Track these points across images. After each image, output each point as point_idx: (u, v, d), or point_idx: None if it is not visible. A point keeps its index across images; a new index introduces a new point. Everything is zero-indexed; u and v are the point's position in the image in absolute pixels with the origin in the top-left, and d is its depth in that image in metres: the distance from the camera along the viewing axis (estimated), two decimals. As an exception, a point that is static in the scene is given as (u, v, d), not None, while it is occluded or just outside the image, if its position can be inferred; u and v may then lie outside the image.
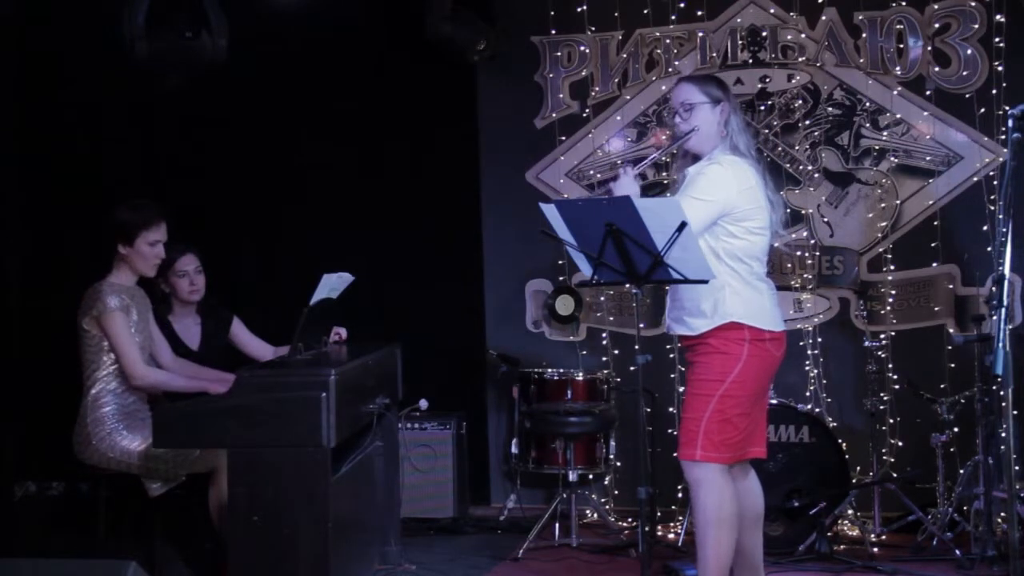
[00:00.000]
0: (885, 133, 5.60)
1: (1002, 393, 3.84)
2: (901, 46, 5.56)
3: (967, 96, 5.48)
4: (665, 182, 5.63)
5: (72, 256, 5.91)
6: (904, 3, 5.56)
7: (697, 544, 3.74)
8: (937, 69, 5.53)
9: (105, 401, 4.19)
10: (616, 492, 5.74)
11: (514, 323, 5.94)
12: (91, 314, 4.17)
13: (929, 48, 5.53)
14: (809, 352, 5.59)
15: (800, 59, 5.66)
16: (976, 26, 5.48)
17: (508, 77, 5.94)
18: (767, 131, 5.68)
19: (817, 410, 5.38)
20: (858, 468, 5.39)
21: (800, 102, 5.66)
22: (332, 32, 5.86)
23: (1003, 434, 4.63)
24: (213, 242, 4.97)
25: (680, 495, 5.43)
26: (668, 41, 5.77)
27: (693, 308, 3.76)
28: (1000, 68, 5.41)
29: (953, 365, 5.43)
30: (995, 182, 5.41)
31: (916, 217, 5.58)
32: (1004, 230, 3.24)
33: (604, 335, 5.84)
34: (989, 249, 5.33)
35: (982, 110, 5.45)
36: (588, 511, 5.62)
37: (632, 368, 4.20)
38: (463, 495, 5.67)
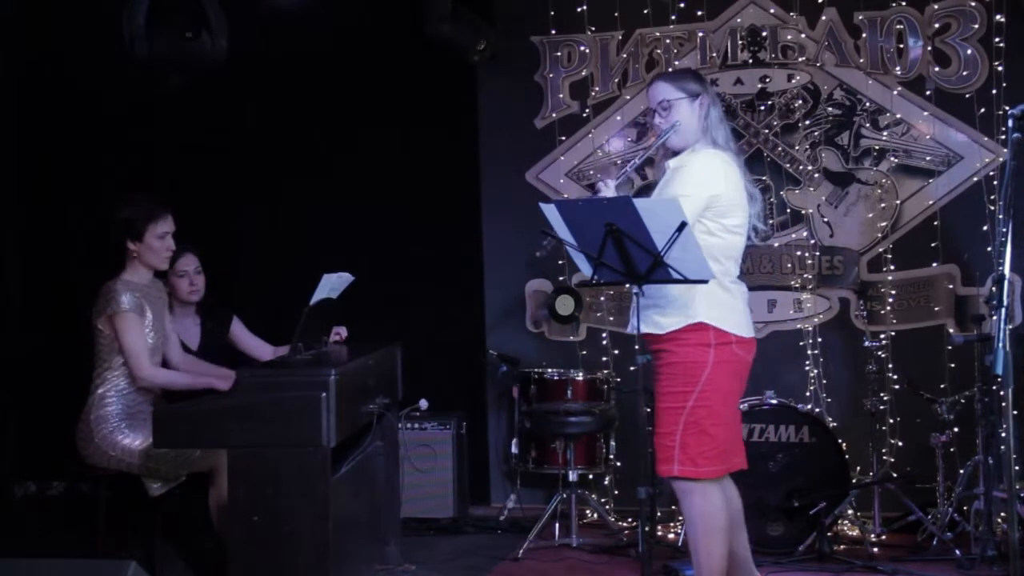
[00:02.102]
0: (885, 133, 5.60)
1: (1002, 393, 3.84)
2: (901, 46, 5.56)
3: (967, 96, 5.48)
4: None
5: (73, 256, 5.92)
6: (904, 3, 5.56)
7: (692, 554, 3.72)
8: (937, 69, 5.53)
9: (111, 400, 4.20)
10: (616, 492, 5.74)
11: (514, 323, 5.94)
12: (105, 313, 4.18)
13: (929, 48, 5.53)
14: (809, 352, 5.59)
15: (800, 59, 5.65)
16: (976, 26, 5.48)
17: (508, 77, 5.94)
18: (767, 131, 5.68)
19: (817, 410, 5.38)
20: (858, 468, 5.39)
21: (800, 102, 5.66)
22: (332, 32, 5.86)
23: (1003, 434, 4.63)
24: (213, 242, 4.97)
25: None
26: (668, 41, 5.77)
27: (664, 305, 3.70)
28: (1000, 68, 5.41)
29: (953, 365, 5.43)
30: (995, 182, 5.41)
31: (916, 217, 5.58)
32: (1004, 230, 3.24)
33: (604, 335, 5.84)
34: (989, 249, 5.33)
35: (982, 110, 5.45)
36: (588, 511, 5.62)
37: (632, 368, 4.20)
38: (463, 495, 5.67)
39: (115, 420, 4.18)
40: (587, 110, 5.87)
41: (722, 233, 3.70)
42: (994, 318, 3.18)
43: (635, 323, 3.70)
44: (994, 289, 3.37)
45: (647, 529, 4.16)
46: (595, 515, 5.63)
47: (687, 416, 3.62)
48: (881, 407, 5.34)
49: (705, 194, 3.64)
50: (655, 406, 3.76)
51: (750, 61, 5.70)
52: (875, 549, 4.86)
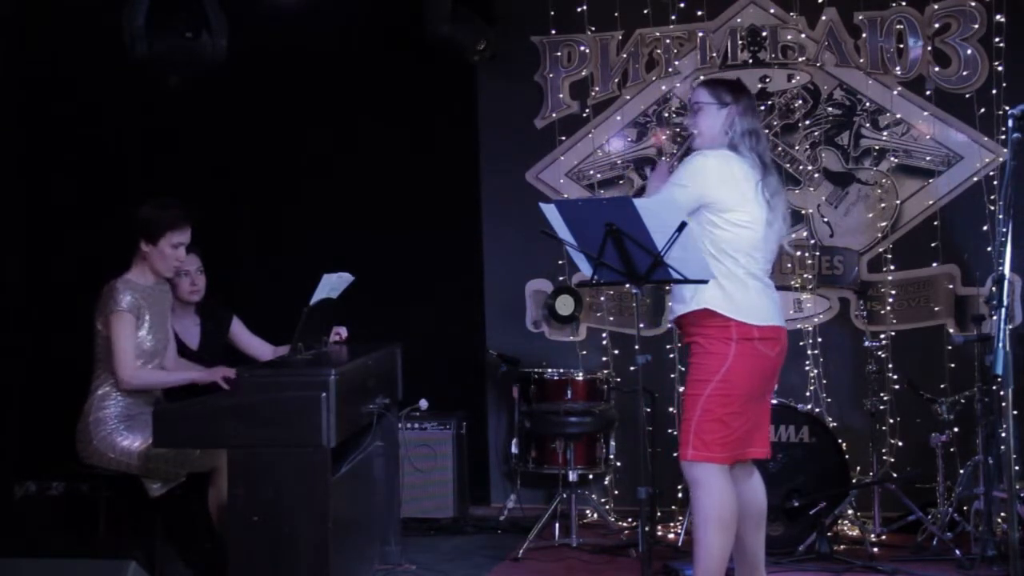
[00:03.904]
0: (885, 133, 5.60)
1: (1002, 393, 3.84)
2: (901, 46, 5.56)
3: (967, 96, 5.48)
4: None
5: (73, 256, 5.91)
6: (904, 3, 5.56)
7: (693, 543, 3.76)
8: (937, 69, 5.53)
9: (110, 401, 4.19)
10: (616, 492, 5.74)
11: (514, 323, 5.94)
12: (104, 313, 4.16)
13: (929, 48, 5.53)
14: (809, 352, 5.59)
15: (800, 59, 5.66)
16: (976, 26, 5.48)
17: (508, 77, 5.94)
18: (767, 131, 5.67)
19: (817, 410, 5.38)
20: (858, 468, 5.39)
21: (800, 102, 5.66)
22: (332, 32, 5.86)
23: (1003, 434, 4.63)
24: (213, 242, 4.97)
25: (680, 495, 5.43)
26: (668, 41, 5.77)
27: (678, 294, 3.82)
28: (1000, 68, 5.41)
29: (953, 365, 5.43)
30: (995, 182, 5.41)
31: (916, 217, 5.58)
32: (1004, 230, 3.24)
33: (604, 335, 5.84)
34: (989, 249, 5.34)
35: (982, 110, 5.45)
36: (588, 511, 5.62)
37: (632, 368, 4.20)
38: (463, 495, 5.67)
39: (114, 422, 4.17)
40: (587, 110, 5.87)
41: (728, 227, 3.74)
42: (994, 318, 3.18)
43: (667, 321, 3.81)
44: (994, 289, 3.37)
45: (647, 529, 4.16)
46: (595, 515, 5.63)
47: (703, 403, 3.71)
48: (881, 407, 5.34)
49: (692, 187, 3.71)
50: (684, 393, 3.89)
51: (750, 61, 5.70)
52: (875, 549, 4.86)
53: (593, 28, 5.84)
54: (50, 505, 5.92)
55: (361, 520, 4.40)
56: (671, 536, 5.24)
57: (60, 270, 5.94)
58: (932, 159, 5.56)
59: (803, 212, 5.64)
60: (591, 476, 5.67)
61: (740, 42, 5.71)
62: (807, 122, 5.66)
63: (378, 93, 5.98)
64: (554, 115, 5.91)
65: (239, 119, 5.96)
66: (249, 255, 6.03)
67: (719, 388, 3.70)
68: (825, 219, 5.67)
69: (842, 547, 4.93)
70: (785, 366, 5.43)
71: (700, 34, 5.74)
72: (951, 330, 5.48)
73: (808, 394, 5.54)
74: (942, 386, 5.38)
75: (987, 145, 5.47)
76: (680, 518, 5.29)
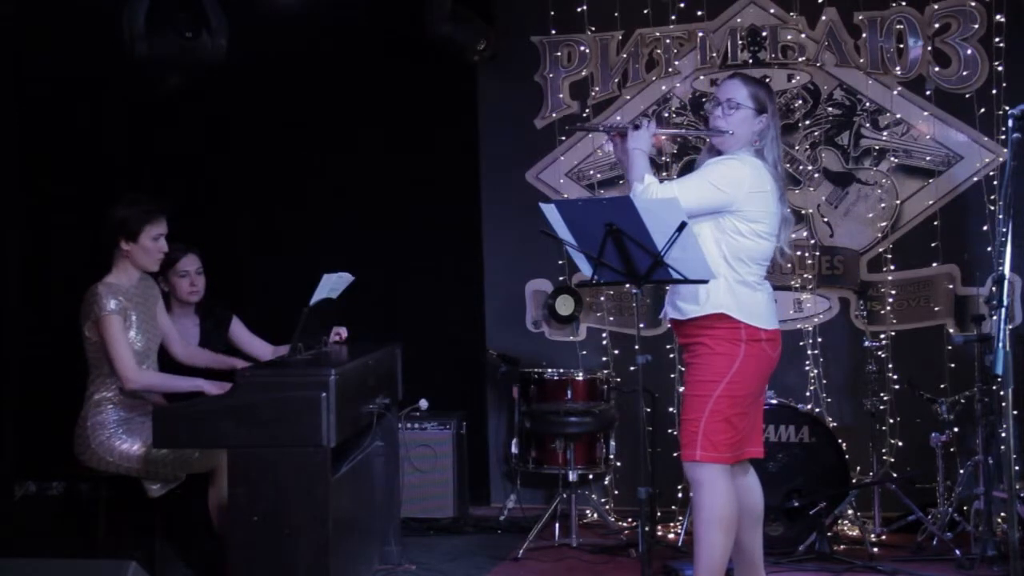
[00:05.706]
0: (885, 133, 5.60)
1: (1002, 393, 3.84)
2: (901, 46, 5.57)
3: (967, 96, 5.48)
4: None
5: (72, 256, 5.91)
6: (904, 3, 5.56)
7: (694, 543, 3.76)
8: (937, 69, 5.53)
9: (106, 406, 4.18)
10: (616, 492, 5.75)
11: (514, 323, 5.94)
12: (90, 319, 4.14)
13: (929, 48, 5.53)
14: (809, 352, 5.59)
15: (800, 59, 5.66)
16: (976, 26, 5.48)
17: (508, 77, 5.94)
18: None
19: (817, 410, 5.38)
20: (858, 468, 5.39)
21: (800, 102, 5.66)
22: (332, 32, 5.86)
23: (1003, 434, 4.63)
24: (213, 242, 4.97)
25: (680, 495, 5.44)
26: (668, 41, 5.77)
27: (687, 294, 3.77)
28: (1000, 68, 5.42)
29: (953, 365, 5.43)
30: (995, 182, 5.41)
31: (916, 217, 5.58)
32: (1004, 230, 3.25)
33: (604, 335, 5.84)
34: (989, 249, 5.34)
35: (982, 110, 5.45)
36: (588, 511, 5.62)
37: (632, 368, 4.21)
38: (463, 495, 5.67)
39: (112, 426, 4.16)
40: (587, 110, 5.87)
41: (753, 237, 3.73)
42: (994, 318, 3.18)
43: (664, 310, 3.86)
44: (994, 289, 3.38)
45: (647, 529, 4.16)
46: (595, 515, 5.63)
47: (713, 404, 3.69)
48: (881, 407, 5.34)
49: (726, 192, 3.68)
50: (685, 393, 3.85)
51: (750, 61, 5.70)
52: (875, 549, 4.86)
53: (593, 28, 5.84)
54: (50, 505, 5.92)
55: (361, 520, 4.40)
56: (671, 536, 5.24)
57: (59, 269, 5.94)
58: (932, 159, 5.56)
59: (803, 212, 5.64)
60: (591, 476, 5.67)
61: (740, 42, 5.71)
62: (807, 122, 5.66)
63: (378, 93, 5.98)
64: (554, 115, 5.91)
65: (239, 119, 5.96)
66: (249, 255, 6.03)
67: (728, 389, 3.69)
68: (825, 219, 5.67)
69: (842, 547, 4.93)
70: (785, 366, 5.49)
71: (700, 34, 5.74)
72: (951, 330, 5.48)
73: (808, 394, 5.54)
74: (942, 386, 5.38)
75: (987, 145, 5.47)
76: (680, 518, 5.29)
